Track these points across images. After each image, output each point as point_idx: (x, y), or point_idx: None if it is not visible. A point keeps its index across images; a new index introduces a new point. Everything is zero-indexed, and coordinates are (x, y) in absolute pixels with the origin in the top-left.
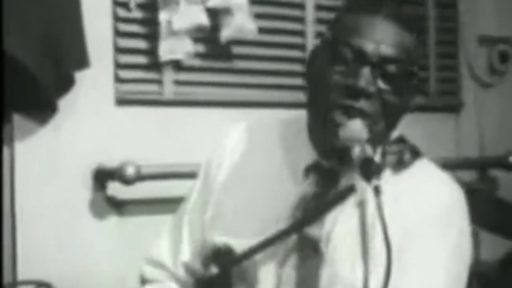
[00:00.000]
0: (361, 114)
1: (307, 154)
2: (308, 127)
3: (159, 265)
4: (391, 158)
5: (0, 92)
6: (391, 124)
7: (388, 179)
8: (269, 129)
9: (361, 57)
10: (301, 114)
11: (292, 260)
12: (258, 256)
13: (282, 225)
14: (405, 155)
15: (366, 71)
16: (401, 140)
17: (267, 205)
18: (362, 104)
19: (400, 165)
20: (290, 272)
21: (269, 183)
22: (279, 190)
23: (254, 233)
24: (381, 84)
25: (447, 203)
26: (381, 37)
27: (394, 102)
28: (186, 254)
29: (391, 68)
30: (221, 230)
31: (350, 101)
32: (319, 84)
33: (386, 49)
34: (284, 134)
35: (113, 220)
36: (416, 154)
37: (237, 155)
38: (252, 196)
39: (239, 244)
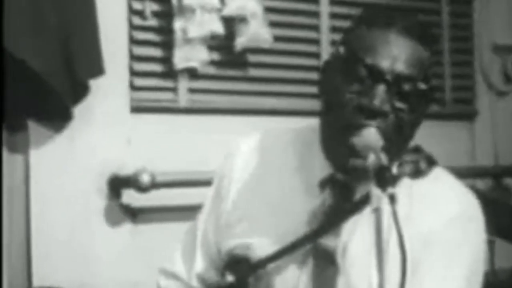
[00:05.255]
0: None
1: (321, 167)
2: (322, 140)
3: (174, 276)
4: (407, 168)
5: (0, 92)
6: (407, 139)
7: (404, 189)
8: (280, 140)
9: (376, 75)
10: (311, 125)
11: (308, 271)
12: (274, 267)
13: (298, 237)
14: (421, 164)
15: (381, 89)
16: (416, 149)
17: (282, 218)
18: (377, 123)
19: (416, 173)
20: (306, 283)
21: (283, 196)
22: (294, 202)
23: (270, 245)
24: (396, 103)
25: (463, 216)
26: (396, 54)
27: (409, 120)
28: (200, 265)
29: (407, 86)
30: (236, 241)
31: (365, 121)
32: (334, 101)
33: (402, 67)
34: (296, 146)
35: (128, 228)
36: (431, 163)
37: (249, 168)
38: (266, 209)
39: (255, 254)
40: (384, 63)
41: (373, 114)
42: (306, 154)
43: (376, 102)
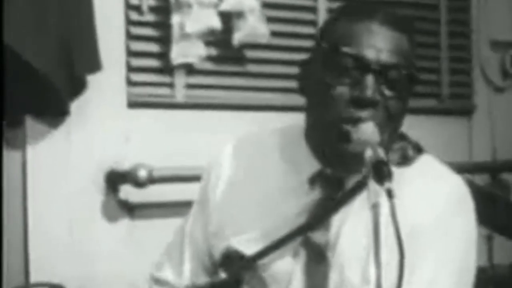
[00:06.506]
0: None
1: (309, 164)
2: (308, 136)
3: (165, 283)
4: (394, 155)
5: (0, 92)
6: (397, 128)
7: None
8: (265, 141)
9: (363, 66)
10: (296, 123)
11: (301, 267)
12: (267, 263)
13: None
14: (408, 151)
15: (369, 79)
16: (402, 136)
17: (271, 218)
18: (369, 113)
19: (404, 160)
20: (299, 278)
21: (272, 196)
22: (283, 202)
23: (261, 244)
24: (385, 91)
25: (453, 208)
26: (381, 44)
27: (398, 107)
28: (189, 273)
29: (393, 74)
30: (226, 244)
31: (357, 112)
32: (322, 96)
33: (386, 56)
34: (282, 146)
35: (125, 223)
36: (419, 150)
37: (235, 170)
38: (255, 210)
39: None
40: (370, 54)
41: (366, 104)
42: (293, 153)
43: (368, 92)
